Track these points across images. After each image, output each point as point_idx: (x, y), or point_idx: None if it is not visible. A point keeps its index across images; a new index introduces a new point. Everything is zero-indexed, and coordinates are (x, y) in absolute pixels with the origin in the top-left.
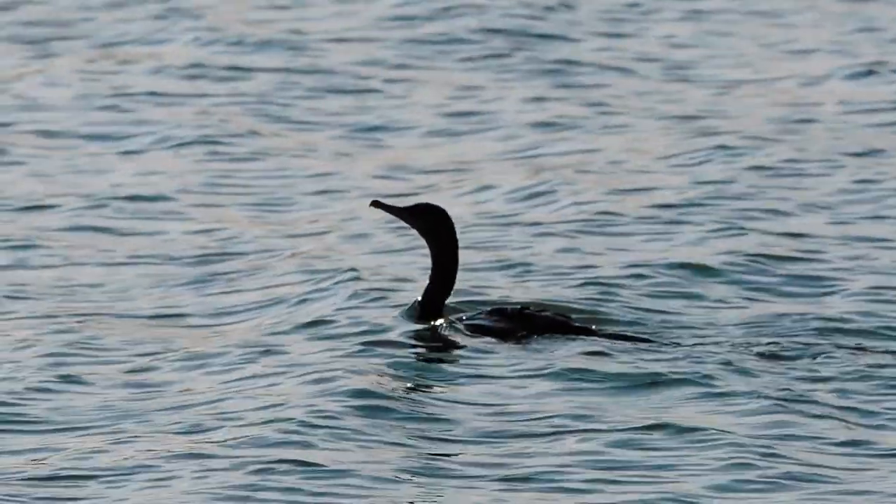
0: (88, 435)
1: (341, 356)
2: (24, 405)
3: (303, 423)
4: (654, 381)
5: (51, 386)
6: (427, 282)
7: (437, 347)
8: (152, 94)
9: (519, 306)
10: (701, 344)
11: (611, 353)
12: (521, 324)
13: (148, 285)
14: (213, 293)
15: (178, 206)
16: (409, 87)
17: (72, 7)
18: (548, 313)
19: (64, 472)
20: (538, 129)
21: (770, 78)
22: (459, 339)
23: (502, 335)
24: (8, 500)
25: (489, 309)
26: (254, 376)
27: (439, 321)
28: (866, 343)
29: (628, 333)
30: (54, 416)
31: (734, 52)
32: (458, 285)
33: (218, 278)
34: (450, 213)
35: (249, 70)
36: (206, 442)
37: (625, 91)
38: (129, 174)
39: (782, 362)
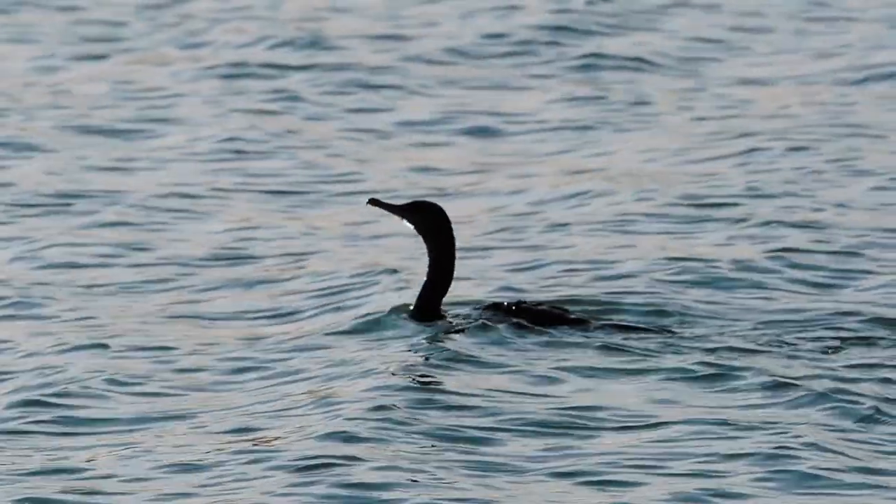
0: (141, 434)
1: (386, 353)
2: (70, 407)
3: (353, 420)
4: (690, 376)
5: (96, 386)
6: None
7: (468, 344)
8: (187, 93)
9: (516, 301)
10: (742, 338)
11: (641, 347)
12: (518, 317)
13: (186, 284)
14: (252, 292)
15: (217, 205)
16: (441, 86)
17: (110, 8)
18: (544, 307)
19: (117, 472)
20: (569, 126)
21: (805, 74)
22: (484, 334)
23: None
24: (55, 500)
25: (486, 304)
26: (298, 374)
27: (446, 319)
28: None
29: (625, 324)
30: (104, 416)
31: (770, 49)
32: (489, 283)
33: (257, 277)
34: (489, 208)
35: (285, 67)
36: (258, 441)
37: (656, 88)
38: (169, 172)
39: (828, 355)
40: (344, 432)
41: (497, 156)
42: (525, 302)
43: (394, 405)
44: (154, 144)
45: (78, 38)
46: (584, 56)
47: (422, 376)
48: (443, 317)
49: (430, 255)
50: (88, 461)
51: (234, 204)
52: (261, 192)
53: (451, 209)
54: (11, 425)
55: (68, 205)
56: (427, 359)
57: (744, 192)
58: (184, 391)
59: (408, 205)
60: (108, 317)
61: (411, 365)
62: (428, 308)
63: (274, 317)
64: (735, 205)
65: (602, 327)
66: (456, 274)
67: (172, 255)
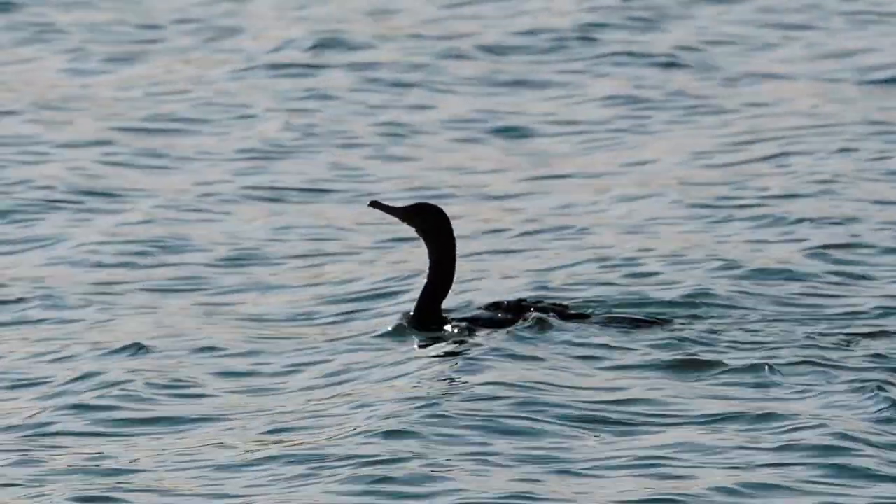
0: (182, 435)
1: (422, 352)
2: (113, 408)
3: (398, 418)
4: (729, 368)
5: (138, 388)
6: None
7: (499, 341)
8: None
9: (516, 300)
10: (782, 333)
11: (689, 340)
12: (519, 315)
13: (241, 284)
14: (286, 293)
15: (250, 204)
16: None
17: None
18: (543, 304)
19: (177, 470)
20: (602, 125)
21: (856, 69)
22: (516, 331)
23: (506, 326)
24: (121, 497)
25: (486, 304)
26: (336, 374)
27: (448, 321)
28: None
29: (627, 316)
30: (162, 416)
31: (802, 45)
32: (522, 282)
33: (291, 277)
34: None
35: (327, 67)
36: (302, 441)
37: (690, 85)
38: (218, 172)
39: (871, 349)
40: (392, 431)
41: (528, 155)
42: (525, 300)
43: (435, 402)
44: (189, 143)
45: (113, 39)
46: (617, 54)
47: (462, 373)
48: (444, 320)
49: (430, 258)
50: (132, 461)
51: (266, 204)
52: (292, 189)
53: (486, 208)
54: (56, 427)
55: (102, 204)
56: (463, 356)
57: (778, 190)
58: (223, 392)
59: (408, 207)
60: (144, 317)
61: (449, 363)
62: (428, 311)
63: (309, 317)
64: (769, 203)
65: (605, 321)
66: (489, 273)
67: (206, 254)
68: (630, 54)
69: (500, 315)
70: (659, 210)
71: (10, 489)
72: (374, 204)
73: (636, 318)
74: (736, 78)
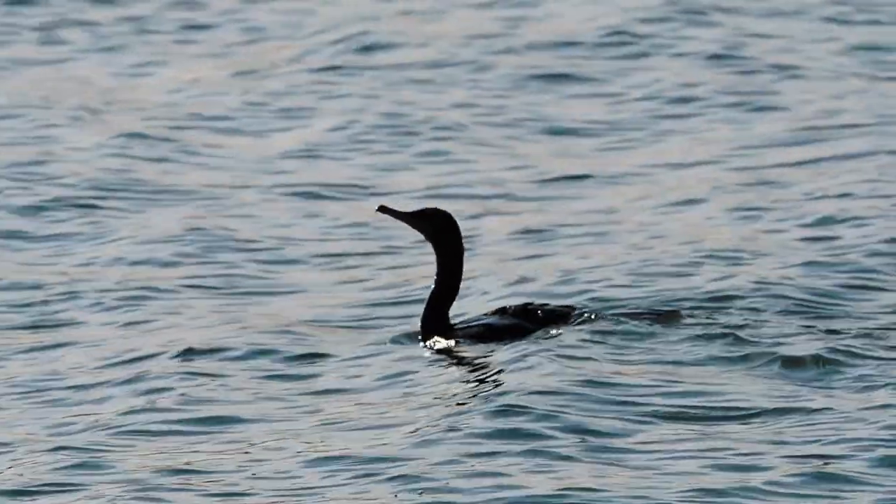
0: (259, 435)
1: (497, 356)
2: (182, 409)
3: (471, 419)
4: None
5: (205, 388)
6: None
7: (567, 340)
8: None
9: (522, 303)
10: (848, 329)
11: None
12: (525, 319)
13: (288, 283)
14: (354, 292)
15: (312, 204)
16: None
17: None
18: (550, 307)
19: (239, 471)
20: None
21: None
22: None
23: (517, 333)
24: (192, 494)
25: (492, 310)
26: (405, 375)
27: (455, 327)
28: None
29: (631, 312)
30: (223, 416)
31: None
32: (575, 285)
33: (358, 277)
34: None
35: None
36: (375, 441)
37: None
38: (264, 171)
39: None
40: (452, 428)
41: (580, 156)
42: (531, 304)
43: (493, 400)
44: (237, 142)
45: (174, 39)
46: (662, 46)
47: (515, 373)
48: (451, 325)
49: (438, 262)
50: (194, 462)
51: (312, 203)
52: (336, 187)
53: (543, 207)
54: (135, 427)
55: (164, 201)
56: (510, 356)
57: (831, 186)
58: (278, 392)
59: (416, 212)
60: (209, 318)
61: (495, 363)
62: (435, 317)
63: (362, 318)
64: (821, 198)
65: (614, 318)
66: (542, 275)
67: (251, 253)
68: (675, 51)
69: (507, 320)
70: (705, 209)
71: (71, 493)
72: (383, 209)
73: (655, 310)
74: (781, 72)
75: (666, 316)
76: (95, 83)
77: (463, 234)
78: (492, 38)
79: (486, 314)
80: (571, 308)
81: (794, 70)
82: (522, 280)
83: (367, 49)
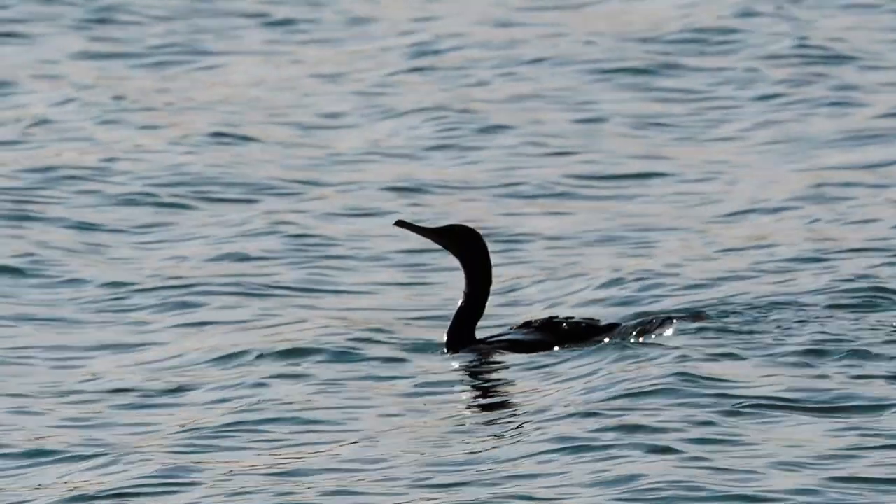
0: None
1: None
2: (272, 409)
3: (570, 419)
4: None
5: (299, 393)
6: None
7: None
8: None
9: (546, 317)
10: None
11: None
12: (549, 332)
13: (376, 282)
14: (432, 295)
15: (406, 202)
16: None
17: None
18: (575, 319)
19: (341, 471)
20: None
21: None
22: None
23: (540, 347)
24: (247, 495)
25: (518, 324)
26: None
27: (480, 344)
28: None
29: (654, 319)
30: (293, 416)
31: None
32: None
33: (434, 280)
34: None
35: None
36: (471, 446)
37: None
38: (359, 170)
39: None
40: (540, 431)
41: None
42: (556, 317)
43: (601, 411)
44: (337, 139)
45: (256, 38)
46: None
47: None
48: (477, 341)
49: (466, 278)
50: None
51: (406, 200)
52: (433, 187)
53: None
54: (231, 430)
55: (247, 201)
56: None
57: None
58: (369, 394)
59: (440, 229)
60: (292, 320)
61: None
62: (460, 334)
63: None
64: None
65: (633, 329)
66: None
67: (352, 254)
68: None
69: (532, 335)
70: (777, 208)
71: (174, 496)
72: (401, 223)
73: (694, 312)
74: (866, 67)
75: (693, 318)
76: (176, 80)
77: (529, 230)
78: (569, 33)
79: (510, 328)
80: (597, 321)
81: (882, 65)
82: (615, 275)
83: (441, 51)
